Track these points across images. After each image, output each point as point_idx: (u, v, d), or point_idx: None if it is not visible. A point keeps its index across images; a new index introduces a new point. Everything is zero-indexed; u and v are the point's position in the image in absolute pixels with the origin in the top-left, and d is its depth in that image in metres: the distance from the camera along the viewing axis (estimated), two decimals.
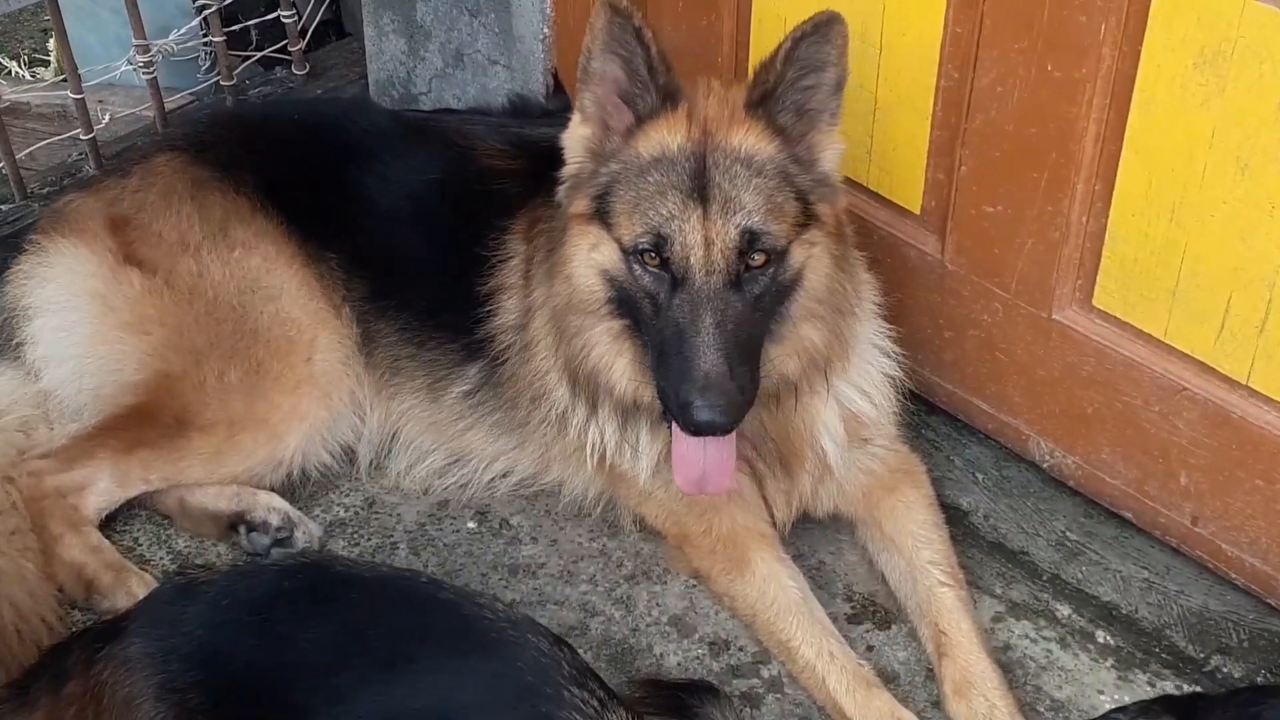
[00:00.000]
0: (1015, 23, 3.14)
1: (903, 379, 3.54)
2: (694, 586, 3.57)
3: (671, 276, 3.07)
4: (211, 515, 3.65)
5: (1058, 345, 3.43)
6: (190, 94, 4.57)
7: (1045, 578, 3.57)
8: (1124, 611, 3.48)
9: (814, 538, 3.67)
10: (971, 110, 3.31)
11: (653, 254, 3.08)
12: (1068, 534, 3.62)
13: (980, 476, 3.76)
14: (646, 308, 3.12)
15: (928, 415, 3.88)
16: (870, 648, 3.46)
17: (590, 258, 3.20)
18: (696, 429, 3.04)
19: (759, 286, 3.10)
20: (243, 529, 3.62)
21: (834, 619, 3.49)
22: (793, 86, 3.06)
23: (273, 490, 3.71)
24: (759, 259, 3.08)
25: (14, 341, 3.75)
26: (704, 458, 3.18)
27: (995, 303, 3.50)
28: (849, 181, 3.64)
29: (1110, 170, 3.15)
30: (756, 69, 3.10)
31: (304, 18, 4.68)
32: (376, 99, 4.53)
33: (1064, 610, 3.51)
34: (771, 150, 3.09)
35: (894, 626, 3.49)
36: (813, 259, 3.18)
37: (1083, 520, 3.64)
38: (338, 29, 4.93)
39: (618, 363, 3.29)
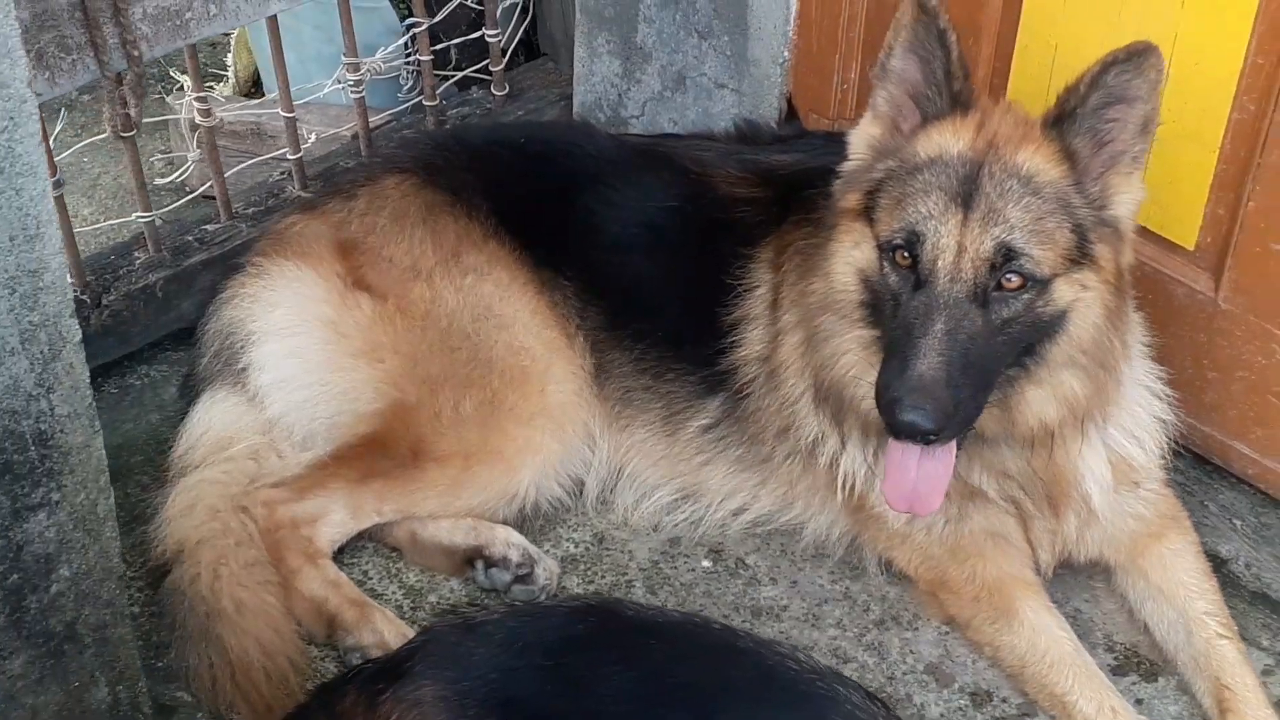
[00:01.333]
0: None
1: (1175, 423, 3.40)
2: (947, 633, 3.45)
3: (917, 277, 2.96)
4: (446, 549, 3.54)
5: None
6: (391, 113, 4.48)
7: None
8: None
9: (1067, 586, 3.55)
10: (1268, 144, 3.17)
11: (905, 251, 2.97)
12: None
13: (1238, 523, 3.62)
14: (889, 309, 3.02)
15: (1175, 459, 3.73)
16: (1139, 701, 3.33)
17: (850, 255, 3.11)
18: (898, 428, 2.92)
19: (1009, 311, 2.97)
20: (480, 564, 3.51)
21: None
22: (1094, 114, 2.94)
23: (507, 524, 3.59)
24: (1013, 280, 2.95)
25: (237, 366, 3.66)
26: (916, 472, 3.06)
27: (1273, 344, 3.37)
28: None
29: None
30: (1061, 90, 2.96)
31: (507, 32, 4.57)
32: (580, 121, 4.42)
33: None
34: (1055, 175, 2.97)
35: (1161, 679, 3.36)
36: (1081, 303, 3.04)
37: None
38: (528, 50, 4.83)
39: (866, 375, 3.15)
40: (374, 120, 4.41)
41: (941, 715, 3.30)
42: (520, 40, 4.76)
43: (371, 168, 3.91)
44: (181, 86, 5.06)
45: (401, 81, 4.50)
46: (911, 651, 3.42)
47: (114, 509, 2.70)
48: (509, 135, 3.99)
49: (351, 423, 3.56)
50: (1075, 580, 3.55)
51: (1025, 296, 2.97)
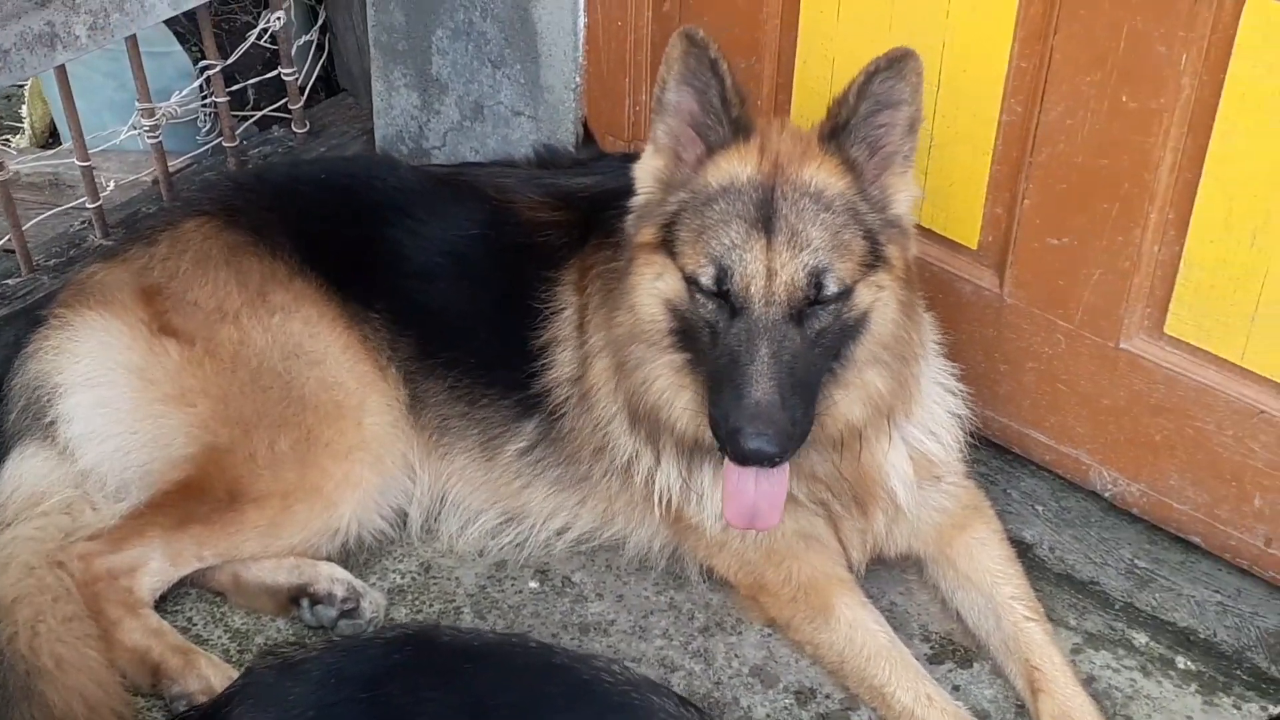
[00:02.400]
0: (1087, 56, 3.16)
1: (969, 416, 3.53)
2: (770, 635, 3.53)
3: (731, 306, 3.04)
4: (270, 590, 3.54)
5: (1124, 374, 3.45)
6: (190, 157, 4.45)
7: (1118, 606, 3.58)
8: (1202, 636, 3.50)
9: (882, 580, 3.65)
10: (1037, 144, 3.32)
11: (714, 282, 3.04)
12: (1136, 561, 3.63)
13: (1040, 508, 3.76)
14: (705, 337, 3.09)
15: (977, 449, 3.86)
16: (956, 687, 3.44)
17: (654, 287, 3.16)
18: (744, 457, 3.00)
19: (820, 323, 3.07)
20: (305, 602, 3.51)
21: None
22: (865, 122, 3.05)
23: (330, 560, 3.60)
24: (822, 295, 3.04)
25: (45, 420, 3.62)
26: (755, 491, 3.14)
27: (1057, 334, 3.51)
28: None
29: (1186, 198, 3.17)
30: (830, 104, 3.07)
31: (302, 75, 4.58)
32: (383, 154, 4.44)
33: (1141, 638, 3.51)
34: (842, 186, 3.07)
35: (976, 665, 3.48)
36: (879, 303, 3.16)
37: (1148, 547, 3.66)
38: (328, 86, 4.84)
39: (680, 397, 3.24)
40: (174, 164, 4.38)
41: (768, 715, 3.38)
42: (319, 77, 4.76)
43: (172, 212, 3.90)
44: None
45: (200, 124, 4.48)
46: (736, 655, 3.50)
47: None
48: (310, 172, 4.00)
49: (165, 469, 3.54)
50: (889, 575, 3.66)
51: (833, 307, 3.07)
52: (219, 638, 3.53)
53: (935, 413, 3.47)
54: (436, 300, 3.68)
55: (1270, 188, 3.04)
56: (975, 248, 3.57)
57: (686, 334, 3.14)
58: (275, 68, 4.48)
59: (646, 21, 3.71)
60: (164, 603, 3.57)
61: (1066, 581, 3.64)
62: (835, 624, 3.39)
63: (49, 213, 4.26)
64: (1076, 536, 3.70)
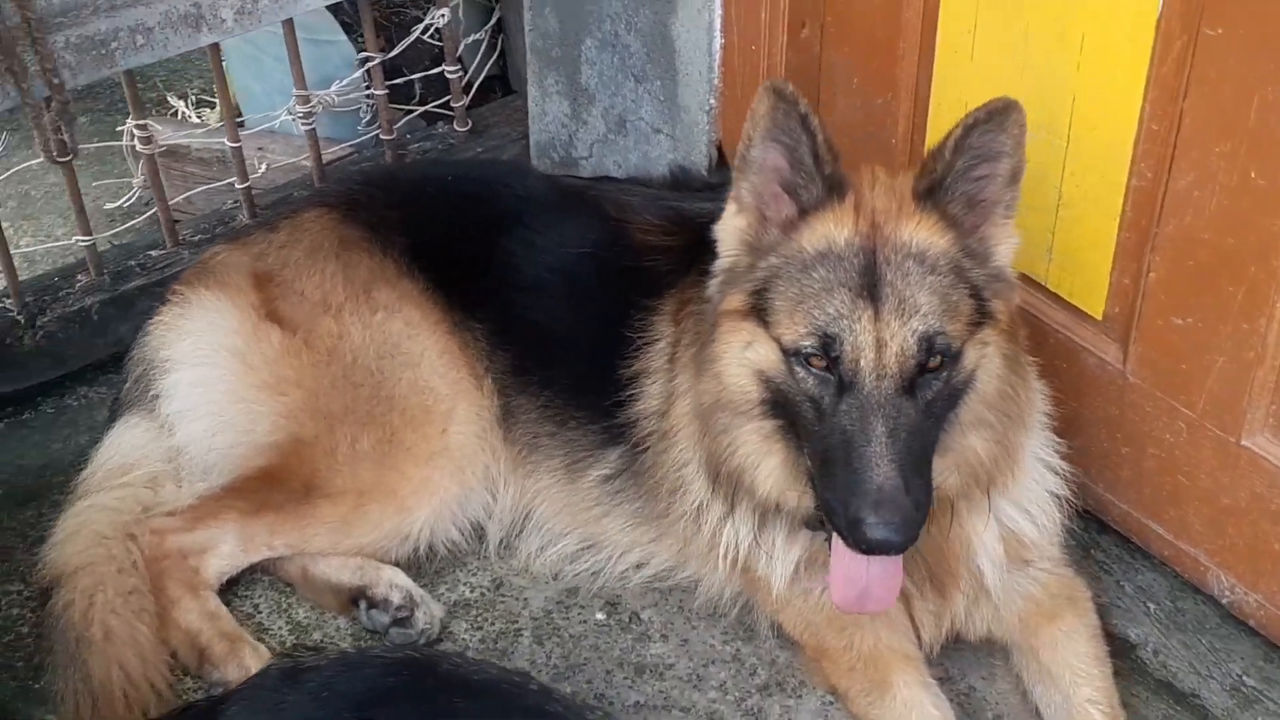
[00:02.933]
0: (1218, 124, 2.88)
1: (1069, 498, 3.28)
2: (830, 703, 3.35)
3: (839, 379, 2.84)
4: (334, 588, 3.52)
5: (1246, 473, 3.15)
6: (350, 146, 4.48)
7: None
8: None
9: (966, 660, 3.42)
10: (1164, 214, 3.05)
11: (819, 356, 2.85)
12: (1244, 678, 3.32)
13: (1152, 607, 3.47)
14: (809, 412, 2.89)
15: (1098, 535, 3.61)
16: None
17: (744, 357, 2.98)
18: (869, 548, 2.80)
19: (931, 391, 2.87)
20: (363, 604, 3.48)
21: None
22: (964, 176, 2.85)
23: (398, 565, 3.56)
24: (934, 362, 2.84)
25: (150, 393, 3.67)
26: (868, 575, 2.95)
27: (1179, 421, 3.23)
28: (1024, 279, 3.42)
29: None
30: (925, 157, 2.87)
31: (469, 73, 4.56)
32: (537, 161, 4.39)
33: None
34: (944, 244, 2.87)
35: None
36: (985, 359, 2.95)
37: (1262, 664, 3.34)
38: (504, 85, 4.81)
39: (765, 463, 3.07)
40: (332, 152, 4.42)
41: None
42: (496, 76, 4.74)
43: (299, 202, 3.92)
44: (176, 112, 5.12)
45: (361, 114, 4.49)
46: (790, 719, 3.33)
47: None
48: (439, 173, 3.98)
49: (248, 455, 3.55)
50: (975, 656, 3.43)
51: (944, 374, 2.88)
52: (280, 629, 3.52)
53: (1033, 490, 3.24)
54: (540, 316, 3.61)
55: None
56: (1100, 318, 3.31)
57: (780, 405, 2.96)
58: (441, 63, 4.46)
59: (781, 47, 3.55)
60: (235, 586, 3.59)
61: (1166, 690, 3.35)
62: (890, 701, 3.19)
63: (198, 189, 4.33)
64: (1186, 642, 3.40)
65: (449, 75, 4.44)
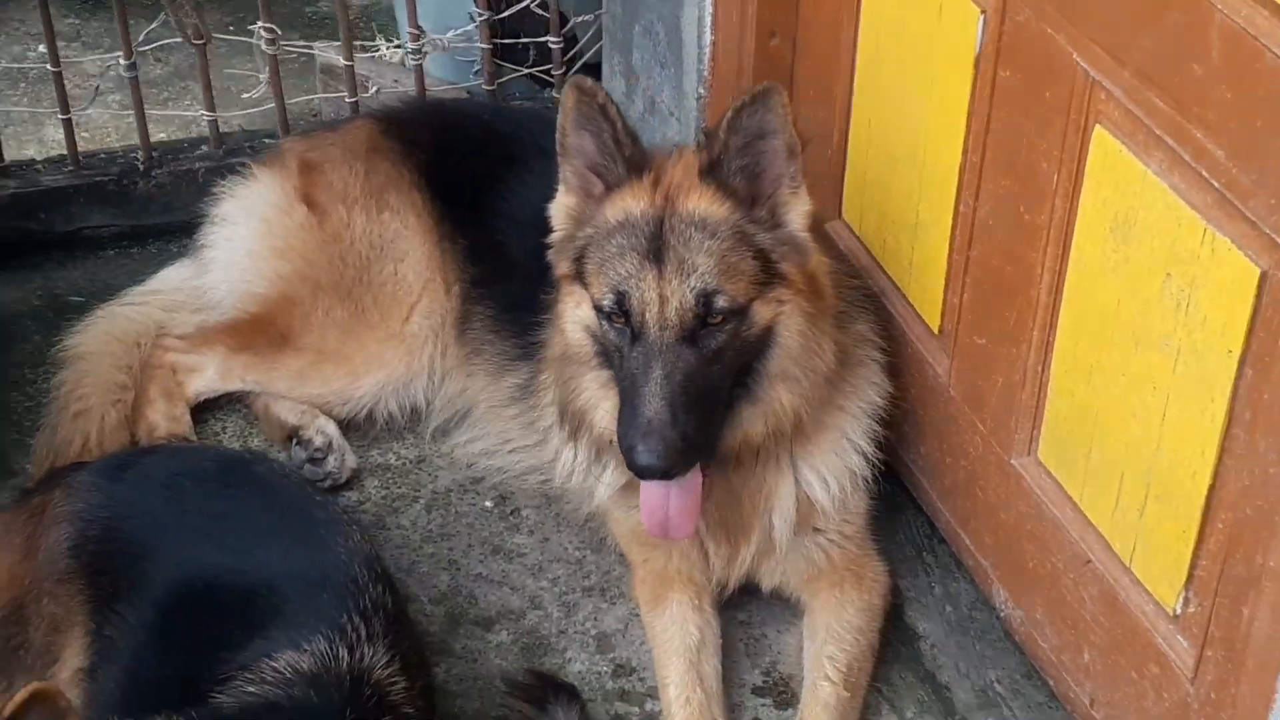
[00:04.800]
0: (1004, 160, 3.21)
1: (870, 481, 3.62)
2: (637, 615, 3.77)
3: (631, 331, 3.30)
4: (280, 424, 4.17)
5: (1014, 492, 3.43)
6: (452, 87, 5.14)
7: (955, 717, 3.55)
8: None
9: (770, 612, 3.79)
10: (974, 240, 3.38)
11: (616, 311, 3.32)
12: (995, 684, 3.57)
13: (949, 610, 3.75)
14: (615, 360, 3.36)
15: (935, 541, 3.90)
16: (756, 719, 3.56)
17: (575, 314, 3.47)
18: (637, 472, 3.25)
19: (717, 342, 3.28)
20: (294, 441, 4.12)
21: (740, 686, 3.63)
22: (739, 153, 3.26)
23: (340, 423, 4.18)
24: (716, 317, 3.27)
25: (199, 243, 4.43)
26: (667, 504, 3.37)
27: (977, 436, 3.53)
28: (896, 290, 3.79)
29: (1056, 322, 3.16)
30: (702, 140, 3.31)
31: (578, 48, 5.15)
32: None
33: None
34: (724, 212, 3.28)
35: (790, 710, 3.58)
36: (783, 316, 3.33)
37: (1018, 678, 3.58)
38: None
39: (601, 405, 3.52)
40: (439, 90, 5.10)
41: (579, 672, 3.65)
42: None
43: (359, 113, 4.63)
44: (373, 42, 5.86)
45: (474, 65, 5.15)
46: (595, 619, 3.79)
47: None
48: (479, 111, 4.60)
49: (246, 301, 4.25)
50: (780, 612, 3.79)
51: (729, 326, 3.29)
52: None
53: (834, 463, 3.58)
54: (508, 243, 4.15)
55: (1100, 327, 3.00)
56: (938, 333, 3.63)
57: (605, 354, 3.43)
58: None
59: (750, 52, 4.00)
60: (215, 410, 4.29)
61: (928, 680, 3.64)
62: (662, 614, 3.61)
63: (315, 96, 5.08)
64: (961, 644, 3.67)
65: (551, 46, 5.05)
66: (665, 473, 3.24)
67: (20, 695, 2.03)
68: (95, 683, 3.11)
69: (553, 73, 5.12)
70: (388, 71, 5.27)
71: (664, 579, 3.64)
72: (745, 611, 3.80)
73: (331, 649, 2.92)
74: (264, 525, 3.22)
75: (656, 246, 3.27)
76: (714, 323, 3.26)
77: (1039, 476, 3.35)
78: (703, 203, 3.29)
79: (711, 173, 3.30)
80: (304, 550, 3.17)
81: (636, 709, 3.58)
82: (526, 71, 5.20)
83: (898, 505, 3.93)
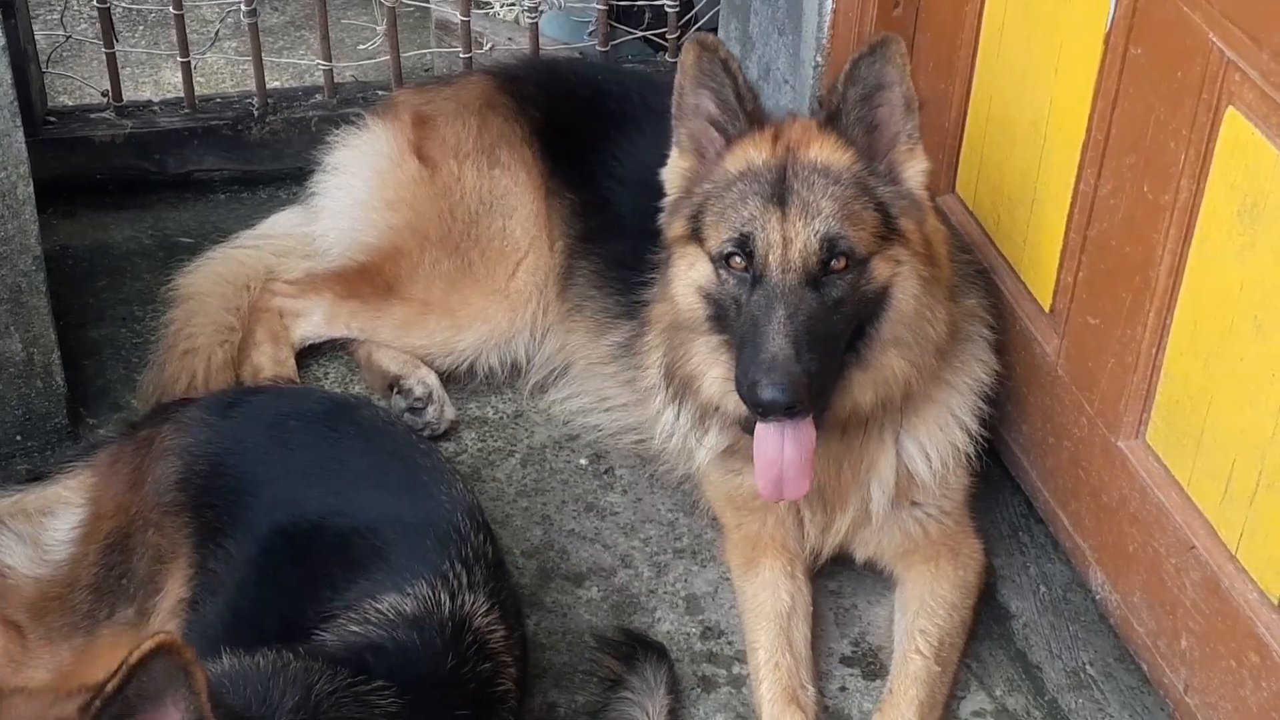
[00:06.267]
0: (1130, 138, 3.17)
1: (973, 458, 3.60)
2: (727, 578, 3.78)
3: (753, 276, 3.30)
4: (382, 372, 4.21)
5: (1118, 474, 3.40)
6: (566, 47, 5.15)
7: (1045, 697, 3.53)
8: None
9: (864, 584, 3.79)
10: (1094, 218, 3.34)
11: (737, 256, 3.31)
12: (1087, 666, 3.55)
13: (1044, 590, 3.73)
14: (732, 310, 3.34)
15: (1032, 521, 3.88)
16: (844, 688, 3.57)
17: (689, 276, 3.45)
18: (761, 407, 3.21)
19: (838, 290, 3.27)
20: (395, 390, 4.15)
21: (828, 654, 3.63)
22: (858, 105, 3.27)
23: (440, 373, 4.21)
24: (839, 262, 3.26)
25: (311, 190, 4.47)
26: (782, 460, 3.34)
27: (1083, 417, 3.50)
28: (1008, 268, 3.76)
29: (1174, 305, 3.12)
30: (824, 94, 3.29)
31: (694, 12, 5.15)
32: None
33: None
34: (846, 160, 3.29)
35: (878, 681, 3.58)
36: (899, 278, 3.33)
37: (1110, 660, 3.56)
38: None
39: (710, 371, 3.51)
40: (553, 49, 5.11)
41: (668, 633, 3.67)
42: None
43: (474, 69, 4.65)
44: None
45: (589, 25, 5.16)
46: (685, 580, 3.80)
47: (33, 197, 3.55)
48: (591, 71, 4.60)
49: (355, 250, 4.29)
50: (873, 584, 3.79)
51: (849, 276, 3.29)
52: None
53: (936, 436, 3.57)
54: (615, 201, 4.17)
55: (1220, 311, 2.96)
56: (1049, 311, 3.60)
57: (719, 318, 3.41)
58: None
59: (871, 20, 3.97)
60: (319, 355, 4.34)
61: (1019, 659, 3.62)
62: (753, 578, 3.62)
63: (429, 50, 5.11)
64: (1054, 625, 3.65)
65: (668, 9, 5.04)
66: (789, 407, 3.20)
67: (146, 646, 2.04)
68: (196, 614, 3.15)
69: (667, 36, 5.11)
70: (502, 29, 5.29)
71: (757, 544, 3.65)
72: (836, 581, 3.79)
73: (433, 594, 2.95)
74: (367, 469, 3.24)
75: (780, 191, 3.28)
76: (836, 269, 3.26)
77: (1146, 460, 3.31)
78: (825, 150, 3.30)
79: (831, 123, 3.31)
80: (407, 496, 3.19)
81: (724, 671, 3.58)
82: (640, 34, 5.20)
83: (995, 483, 3.91)
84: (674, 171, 3.50)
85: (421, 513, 3.15)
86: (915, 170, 3.33)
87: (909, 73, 3.20)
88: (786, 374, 3.16)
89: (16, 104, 3.39)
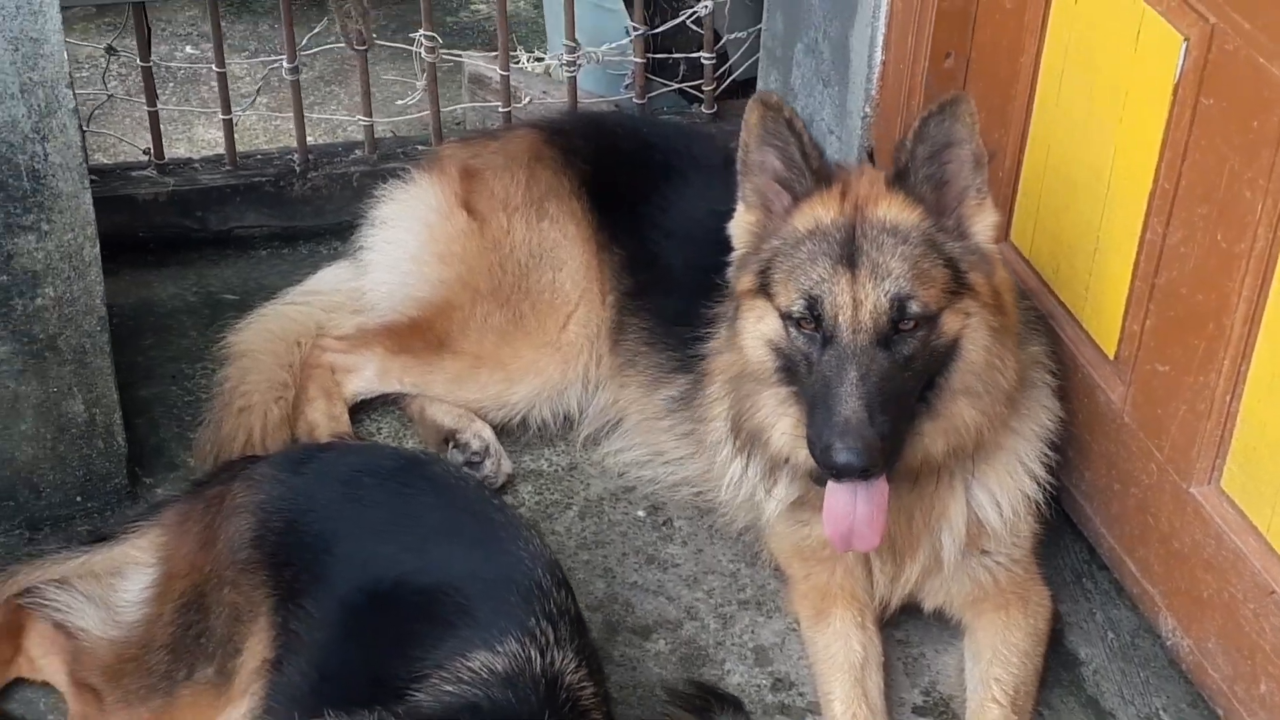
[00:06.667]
0: (1202, 187, 3.20)
1: (1042, 505, 3.62)
2: (793, 629, 3.78)
3: (823, 336, 3.31)
4: (436, 427, 4.21)
5: (1191, 520, 3.41)
6: (604, 100, 5.17)
7: None
8: None
9: (929, 633, 3.79)
10: (1162, 266, 3.37)
11: (807, 317, 3.33)
12: (1161, 713, 3.56)
13: (1111, 636, 3.74)
14: (802, 367, 3.36)
15: (1095, 568, 3.89)
16: None
17: (757, 329, 3.47)
18: (836, 470, 3.23)
19: (908, 348, 3.28)
20: (451, 444, 4.15)
21: (900, 704, 3.63)
22: (926, 162, 3.30)
23: (494, 426, 4.21)
24: (909, 323, 3.27)
25: (358, 245, 4.48)
26: (854, 512, 3.36)
27: (1152, 464, 3.51)
28: (1068, 315, 3.78)
29: (1251, 352, 3.14)
30: (894, 150, 3.32)
31: (730, 64, 5.18)
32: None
33: None
34: (914, 219, 3.31)
35: None
36: (969, 329, 3.34)
37: (1183, 706, 3.56)
38: None
39: (779, 424, 3.52)
40: (590, 102, 5.14)
41: (738, 685, 3.66)
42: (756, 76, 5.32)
43: (520, 122, 4.67)
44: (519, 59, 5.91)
45: (625, 79, 5.19)
46: (753, 632, 3.80)
47: (99, 258, 3.55)
48: (635, 125, 4.62)
49: (406, 305, 4.29)
50: (939, 632, 3.79)
51: (920, 333, 3.30)
52: None
53: (1007, 484, 3.58)
54: (664, 255, 4.19)
55: None
56: (1113, 358, 3.62)
57: (788, 370, 3.43)
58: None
59: (923, 70, 4.01)
60: (371, 411, 4.34)
61: (1091, 706, 3.62)
62: (824, 629, 3.61)
63: (468, 104, 5.14)
64: (1124, 671, 3.66)
65: (704, 61, 5.08)
66: (864, 471, 3.22)
67: None
68: (280, 675, 3.13)
69: (703, 88, 5.15)
70: (535, 83, 5.32)
71: (827, 594, 3.65)
72: (903, 630, 3.80)
73: (523, 651, 2.94)
74: (443, 525, 3.24)
75: (849, 251, 3.29)
76: (906, 328, 3.27)
77: (1220, 506, 3.33)
78: (893, 209, 3.31)
79: (899, 181, 3.33)
80: (485, 552, 3.18)
81: None
82: (676, 86, 5.23)
83: (1056, 529, 3.90)
84: (740, 227, 3.52)
85: (501, 568, 3.14)
86: (984, 224, 3.35)
87: (978, 130, 3.23)
88: (861, 438, 3.18)
89: (85, 165, 3.38)
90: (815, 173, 3.38)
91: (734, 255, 3.55)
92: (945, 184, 3.32)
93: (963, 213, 3.34)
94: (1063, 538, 3.93)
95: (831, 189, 3.38)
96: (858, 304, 3.26)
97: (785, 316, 3.37)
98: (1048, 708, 3.63)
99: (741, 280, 3.50)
